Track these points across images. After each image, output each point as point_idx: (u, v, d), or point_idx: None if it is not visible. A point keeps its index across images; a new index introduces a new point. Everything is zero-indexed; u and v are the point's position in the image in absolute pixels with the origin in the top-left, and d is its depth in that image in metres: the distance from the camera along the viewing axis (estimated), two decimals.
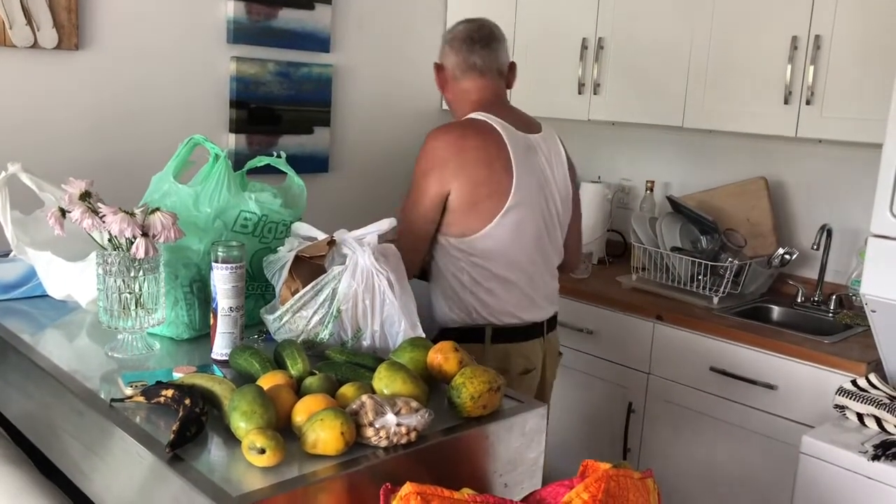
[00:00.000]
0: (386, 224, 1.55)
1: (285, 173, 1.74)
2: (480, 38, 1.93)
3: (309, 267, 1.50)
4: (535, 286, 1.92)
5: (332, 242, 1.48)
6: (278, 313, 1.46)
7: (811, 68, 2.36)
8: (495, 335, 1.89)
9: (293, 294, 1.45)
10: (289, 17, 2.86)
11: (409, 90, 3.31)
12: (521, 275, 1.89)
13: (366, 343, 1.46)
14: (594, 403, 2.67)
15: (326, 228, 1.58)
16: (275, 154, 1.71)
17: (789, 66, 2.40)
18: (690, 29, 2.63)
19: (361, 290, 1.43)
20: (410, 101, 3.34)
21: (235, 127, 2.79)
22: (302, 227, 1.58)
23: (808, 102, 2.37)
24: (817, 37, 2.34)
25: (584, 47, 2.89)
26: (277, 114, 2.89)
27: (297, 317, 1.45)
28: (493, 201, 1.80)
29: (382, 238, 1.53)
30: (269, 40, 2.82)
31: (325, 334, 1.44)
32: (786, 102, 2.41)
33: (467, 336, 1.87)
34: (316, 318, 1.44)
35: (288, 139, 2.93)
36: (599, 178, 3.14)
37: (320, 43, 2.96)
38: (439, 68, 1.99)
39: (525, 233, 1.86)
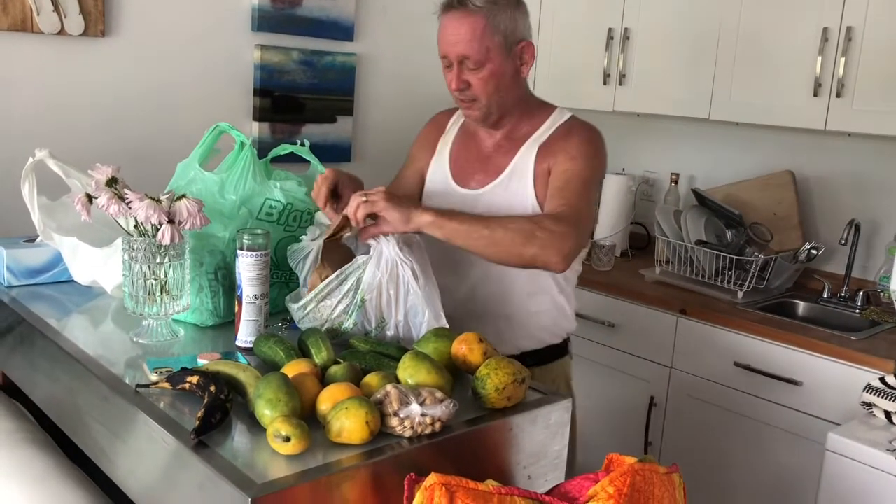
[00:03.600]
0: None
1: (308, 162, 1.74)
2: None
3: (339, 252, 1.51)
4: None
5: (347, 218, 1.48)
6: (303, 302, 1.46)
7: (842, 60, 2.32)
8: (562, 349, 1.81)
9: (323, 279, 1.45)
10: (313, 6, 2.85)
11: (433, 79, 3.28)
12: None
13: (389, 333, 1.46)
14: (615, 397, 2.66)
15: None
16: (298, 143, 1.71)
17: (819, 58, 2.36)
18: (718, 20, 2.59)
19: (386, 279, 1.42)
20: (433, 90, 3.31)
21: (259, 115, 2.79)
22: (325, 216, 1.58)
23: (838, 95, 2.33)
24: (849, 28, 2.30)
25: (611, 37, 2.86)
26: (301, 102, 2.89)
27: (321, 305, 1.45)
28: None
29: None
30: (293, 28, 2.82)
31: (349, 323, 1.44)
32: (815, 95, 2.38)
33: (551, 354, 1.77)
34: (340, 307, 1.44)
35: (311, 128, 2.93)
36: (623, 169, 3.12)
37: (344, 31, 2.96)
38: (528, 44, 1.66)
39: None
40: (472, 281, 1.69)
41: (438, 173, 1.78)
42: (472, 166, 1.73)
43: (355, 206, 1.44)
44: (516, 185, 1.66)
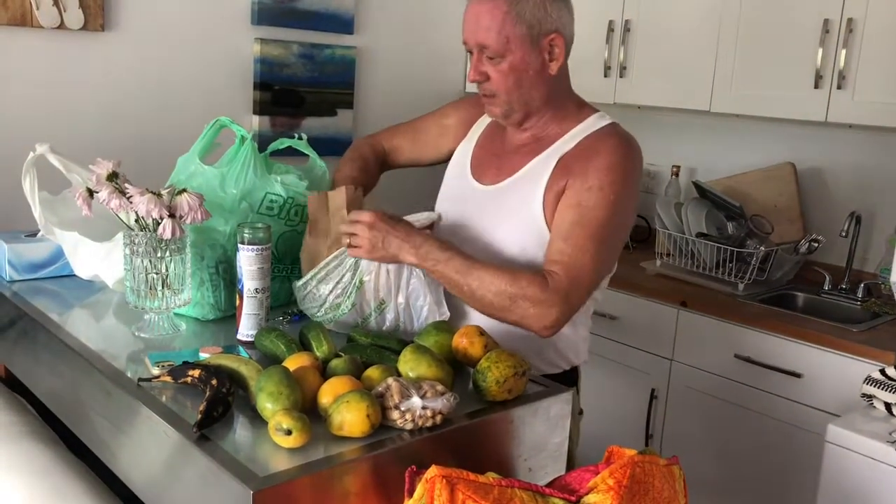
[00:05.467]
0: (424, 217, 1.53)
1: (307, 155, 1.74)
2: None
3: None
4: None
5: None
6: (303, 281, 1.48)
7: (843, 52, 2.31)
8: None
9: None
10: None
11: (433, 72, 3.30)
12: None
13: (389, 316, 1.46)
14: (616, 389, 2.66)
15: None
16: (296, 136, 1.71)
17: (820, 50, 2.35)
18: (719, 12, 2.59)
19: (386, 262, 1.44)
20: (433, 83, 3.32)
21: (259, 109, 2.79)
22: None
23: (839, 87, 2.33)
24: (850, 20, 2.30)
25: (611, 29, 2.85)
26: (301, 96, 2.89)
27: (320, 285, 1.46)
28: None
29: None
30: (292, 21, 2.81)
31: (347, 304, 1.44)
32: (816, 87, 2.37)
33: (560, 381, 1.59)
34: (339, 288, 1.44)
35: (311, 121, 2.93)
36: None
37: (344, 24, 2.95)
38: (560, 37, 1.48)
39: None
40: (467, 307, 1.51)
41: (460, 160, 1.68)
42: (490, 160, 1.62)
43: (343, 234, 1.44)
44: (526, 191, 1.52)
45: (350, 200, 1.53)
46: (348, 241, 1.44)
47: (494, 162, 1.61)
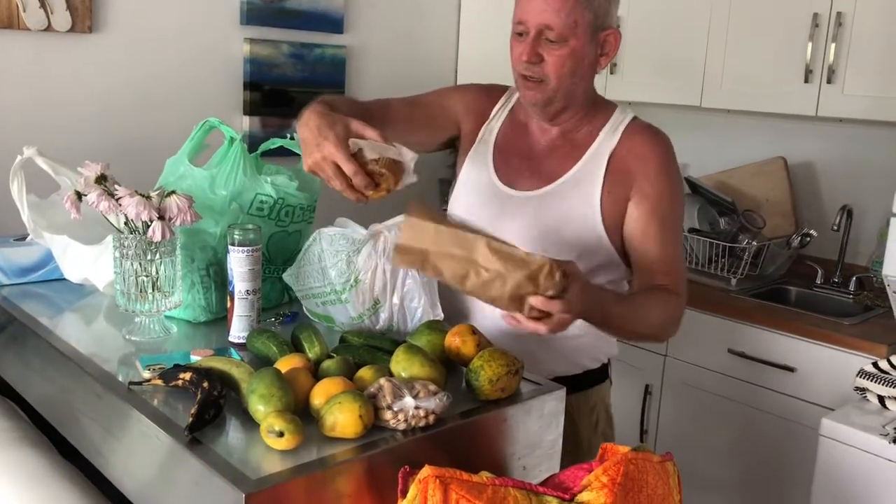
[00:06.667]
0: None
1: (299, 155, 1.73)
2: None
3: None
4: None
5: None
6: (296, 269, 1.49)
7: (832, 46, 2.32)
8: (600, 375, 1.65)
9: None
10: None
11: (423, 71, 3.29)
12: None
13: (383, 316, 1.45)
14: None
15: (342, 211, 1.57)
16: (288, 136, 1.70)
17: (810, 44, 2.36)
18: (709, 7, 2.59)
19: (383, 262, 1.42)
20: (424, 82, 3.29)
21: (249, 109, 2.78)
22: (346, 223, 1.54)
23: (828, 81, 2.34)
24: (839, 14, 2.30)
25: None
26: (291, 96, 2.88)
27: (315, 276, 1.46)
28: None
29: None
30: (282, 21, 2.80)
31: (344, 297, 1.44)
32: (806, 81, 2.38)
33: (589, 380, 1.61)
34: (336, 275, 1.45)
35: None
36: None
37: (333, 24, 2.94)
38: (615, 33, 1.49)
39: None
40: (463, 308, 1.52)
41: (479, 164, 1.57)
42: (520, 165, 1.54)
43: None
44: (577, 196, 1.48)
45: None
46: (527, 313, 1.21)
47: (526, 165, 1.54)
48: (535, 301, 1.18)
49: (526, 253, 1.18)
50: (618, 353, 1.66)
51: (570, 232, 1.48)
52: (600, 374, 1.62)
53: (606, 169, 1.48)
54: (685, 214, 2.63)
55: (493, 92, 1.64)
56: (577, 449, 1.52)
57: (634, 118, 1.54)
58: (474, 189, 1.57)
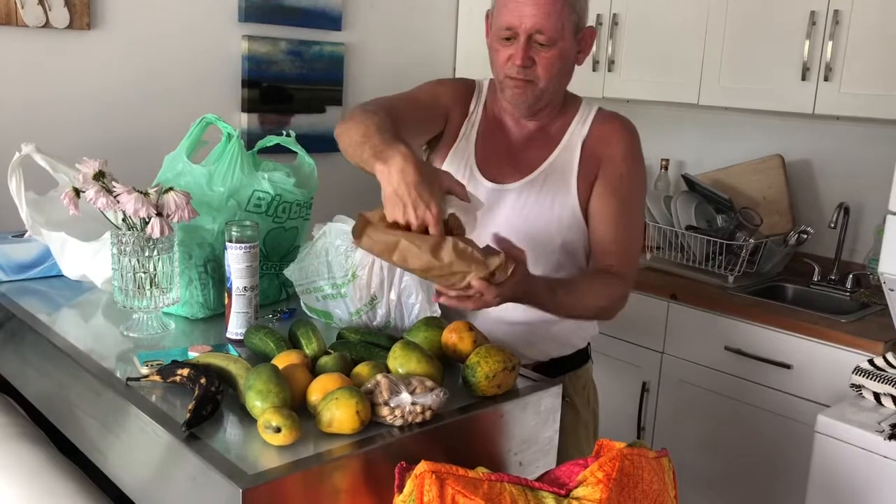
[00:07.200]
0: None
1: (296, 152, 1.74)
2: None
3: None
4: None
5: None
6: (298, 264, 1.50)
7: (829, 44, 2.32)
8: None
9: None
10: None
11: (422, 68, 3.29)
12: None
13: (380, 311, 1.46)
14: (608, 383, 2.66)
15: (340, 208, 1.58)
16: (284, 133, 1.71)
17: (807, 42, 2.36)
18: (707, 5, 2.59)
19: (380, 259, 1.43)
20: (422, 79, 3.29)
21: (248, 106, 2.78)
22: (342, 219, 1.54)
23: (826, 79, 2.34)
24: (836, 12, 2.30)
25: (599, 23, 2.86)
26: (289, 93, 2.88)
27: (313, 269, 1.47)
28: None
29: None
30: (280, 18, 2.80)
31: (341, 292, 1.44)
32: (803, 79, 2.38)
33: (580, 359, 1.71)
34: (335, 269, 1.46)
35: (300, 118, 2.92)
36: None
37: (332, 21, 2.94)
38: (593, 30, 1.56)
39: None
40: None
41: (460, 159, 1.60)
42: (499, 159, 1.58)
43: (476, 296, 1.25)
44: (555, 184, 1.54)
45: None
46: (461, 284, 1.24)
47: (506, 160, 1.59)
48: (477, 283, 1.22)
49: (485, 255, 1.23)
50: (598, 332, 1.77)
51: (554, 219, 1.54)
52: (586, 354, 1.74)
53: (581, 156, 1.55)
54: (686, 211, 2.65)
55: (469, 86, 1.67)
56: (576, 425, 1.66)
57: (600, 109, 1.62)
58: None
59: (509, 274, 1.24)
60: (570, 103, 1.61)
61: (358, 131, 1.31)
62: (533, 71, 1.47)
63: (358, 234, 1.24)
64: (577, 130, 1.58)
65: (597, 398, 1.79)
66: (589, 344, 1.76)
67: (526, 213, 1.54)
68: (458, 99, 1.64)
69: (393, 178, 1.20)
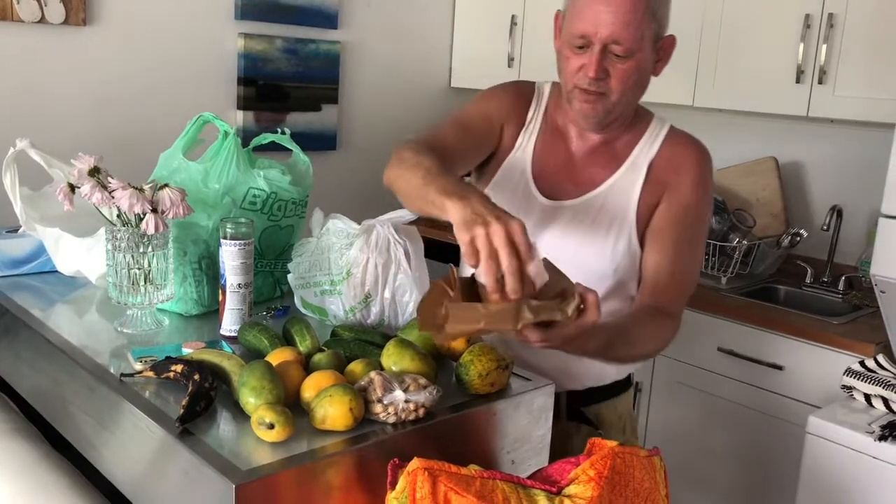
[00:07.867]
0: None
1: (291, 150, 1.74)
2: None
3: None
4: None
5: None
6: (299, 259, 1.52)
7: (824, 47, 2.33)
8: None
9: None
10: None
11: (418, 67, 3.30)
12: None
13: (374, 309, 1.46)
14: None
15: (336, 206, 1.58)
16: (279, 131, 1.71)
17: (801, 45, 2.37)
18: (702, 7, 2.60)
19: (374, 256, 1.43)
20: (419, 78, 3.32)
21: (243, 104, 2.78)
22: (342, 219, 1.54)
23: (820, 82, 2.35)
24: (831, 15, 2.32)
25: None
26: (285, 91, 2.88)
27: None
28: None
29: None
30: (276, 16, 2.81)
31: (338, 289, 1.45)
32: (798, 82, 2.39)
33: (617, 388, 1.59)
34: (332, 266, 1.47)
35: (296, 116, 2.93)
36: None
37: (328, 19, 2.95)
38: (672, 39, 1.44)
39: None
40: None
41: (515, 171, 1.49)
42: (558, 173, 1.48)
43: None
44: (614, 207, 1.44)
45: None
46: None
47: (564, 174, 1.48)
48: (555, 332, 1.12)
49: (560, 303, 1.12)
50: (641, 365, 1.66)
51: (609, 243, 1.44)
52: (628, 381, 1.63)
53: (646, 179, 1.45)
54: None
55: (526, 92, 1.55)
56: None
57: (672, 127, 1.51)
58: (508, 198, 1.48)
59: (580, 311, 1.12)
60: (641, 118, 1.50)
61: (416, 174, 1.22)
62: (606, 83, 1.35)
63: (438, 323, 1.11)
64: (646, 150, 1.46)
65: (634, 428, 1.66)
66: (630, 374, 1.64)
67: (580, 234, 1.43)
68: (513, 110, 1.53)
69: (472, 201, 1.10)
